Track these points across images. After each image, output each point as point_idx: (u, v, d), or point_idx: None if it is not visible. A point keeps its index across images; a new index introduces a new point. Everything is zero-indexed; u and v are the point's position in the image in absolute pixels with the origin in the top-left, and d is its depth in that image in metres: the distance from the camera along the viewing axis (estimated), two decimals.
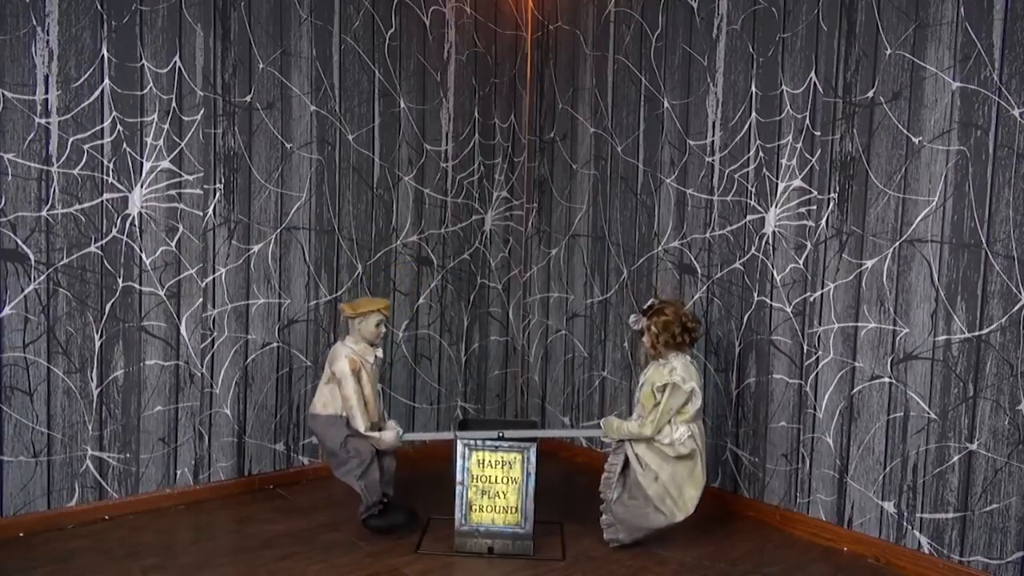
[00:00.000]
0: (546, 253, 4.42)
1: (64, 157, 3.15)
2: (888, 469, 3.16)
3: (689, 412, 3.11)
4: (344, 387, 3.14)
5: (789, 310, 3.41)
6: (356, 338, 3.21)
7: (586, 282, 4.22)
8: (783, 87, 3.39)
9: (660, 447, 3.11)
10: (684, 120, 3.75)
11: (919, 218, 3.03)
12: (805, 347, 3.37)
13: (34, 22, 3.05)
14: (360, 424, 3.15)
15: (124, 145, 3.27)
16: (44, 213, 3.12)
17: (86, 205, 3.21)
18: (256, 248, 3.64)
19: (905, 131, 3.06)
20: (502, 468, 3.13)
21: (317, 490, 3.73)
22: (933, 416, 3.03)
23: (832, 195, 3.26)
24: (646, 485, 3.11)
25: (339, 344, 3.23)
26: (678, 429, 3.10)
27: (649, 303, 3.25)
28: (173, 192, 3.40)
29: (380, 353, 3.27)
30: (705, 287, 3.70)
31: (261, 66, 3.57)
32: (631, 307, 3.99)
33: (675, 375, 3.11)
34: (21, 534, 3.15)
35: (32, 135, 3.08)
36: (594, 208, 4.16)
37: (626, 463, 3.17)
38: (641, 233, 3.95)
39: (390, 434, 3.21)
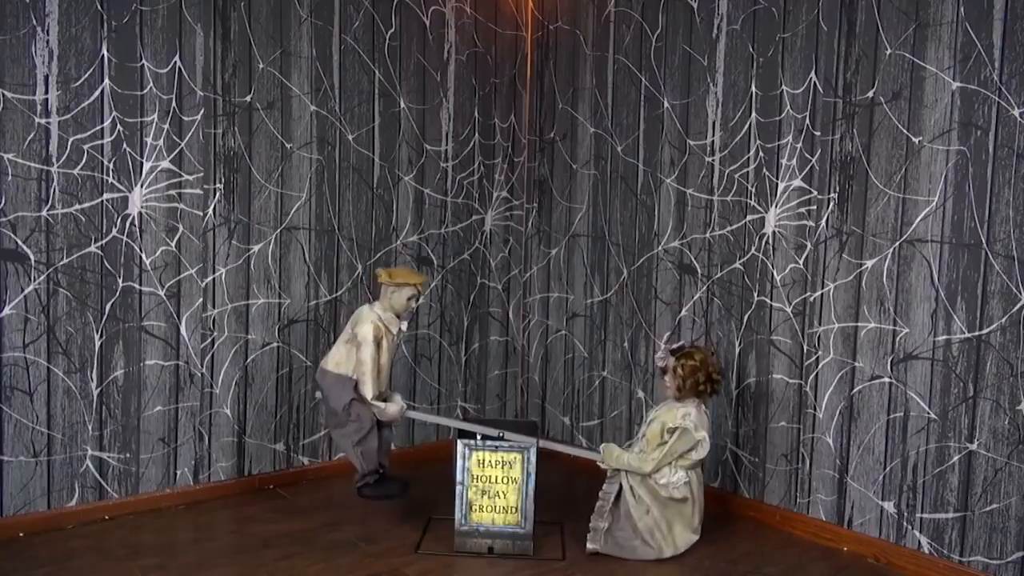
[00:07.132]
0: (546, 253, 4.42)
1: (64, 157, 3.15)
2: (888, 469, 3.16)
3: (691, 459, 3.13)
4: (362, 351, 3.10)
5: (789, 310, 3.41)
6: (385, 306, 3.17)
7: (586, 282, 4.22)
8: (783, 87, 3.39)
9: (655, 485, 3.12)
10: (684, 120, 3.75)
11: (919, 218, 3.03)
12: (805, 347, 3.37)
13: (34, 22, 3.05)
14: (369, 391, 3.11)
15: (124, 145, 3.27)
16: (44, 213, 3.12)
17: (86, 205, 3.21)
18: (256, 248, 3.64)
19: (905, 131, 3.06)
20: (502, 468, 3.13)
21: (317, 490, 3.73)
22: (933, 416, 3.03)
23: (832, 195, 3.26)
24: (637, 517, 3.10)
25: (367, 307, 3.19)
26: (676, 473, 3.11)
27: (679, 344, 3.28)
28: (173, 192, 3.40)
29: (404, 327, 3.24)
30: (705, 287, 3.69)
31: (261, 66, 3.57)
32: (631, 308, 3.99)
33: (688, 420, 3.12)
34: (21, 534, 3.15)
35: (32, 135, 3.08)
36: (594, 208, 4.16)
37: (619, 493, 3.17)
38: (641, 233, 3.95)
39: (395, 407, 3.19)
